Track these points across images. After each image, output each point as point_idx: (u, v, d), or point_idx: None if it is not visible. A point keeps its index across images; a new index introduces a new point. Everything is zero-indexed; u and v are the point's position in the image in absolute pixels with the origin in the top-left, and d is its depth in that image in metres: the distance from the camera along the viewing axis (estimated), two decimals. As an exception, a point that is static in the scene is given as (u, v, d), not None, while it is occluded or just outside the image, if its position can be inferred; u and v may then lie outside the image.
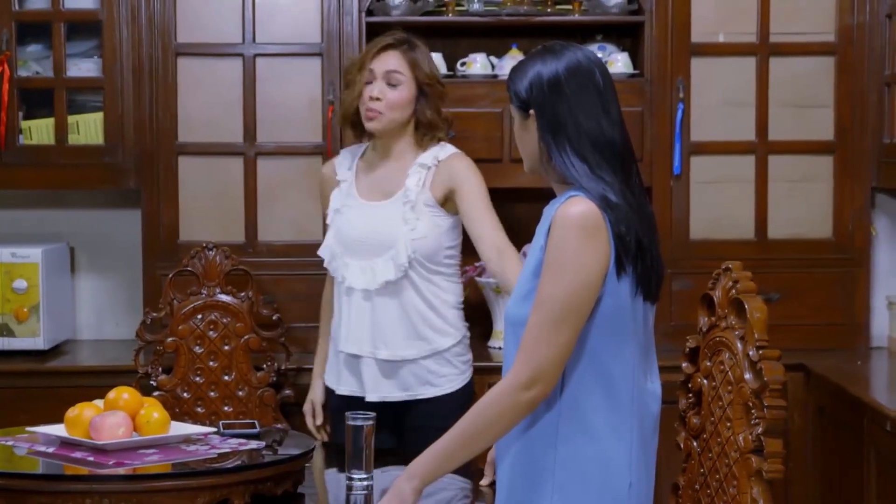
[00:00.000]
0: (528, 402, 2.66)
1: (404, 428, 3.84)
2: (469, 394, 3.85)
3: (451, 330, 3.88)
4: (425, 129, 3.86)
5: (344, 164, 3.98)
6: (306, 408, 4.06)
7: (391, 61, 3.82)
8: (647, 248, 2.71)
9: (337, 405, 3.89)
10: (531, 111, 2.74)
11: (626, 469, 2.75)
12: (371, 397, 3.81)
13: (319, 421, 4.04)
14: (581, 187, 2.68)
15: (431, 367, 3.83)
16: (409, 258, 3.77)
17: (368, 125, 3.82)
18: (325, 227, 3.99)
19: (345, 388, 3.88)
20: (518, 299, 2.76)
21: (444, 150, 3.88)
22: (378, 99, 3.79)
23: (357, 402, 3.78)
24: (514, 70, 2.79)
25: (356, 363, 3.84)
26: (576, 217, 2.63)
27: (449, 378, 3.85)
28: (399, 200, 3.82)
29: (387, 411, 3.76)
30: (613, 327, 2.71)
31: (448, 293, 3.88)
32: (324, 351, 4.02)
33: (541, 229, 2.75)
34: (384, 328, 3.81)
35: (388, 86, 3.81)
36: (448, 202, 3.83)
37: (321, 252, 3.94)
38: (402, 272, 3.78)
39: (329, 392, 3.96)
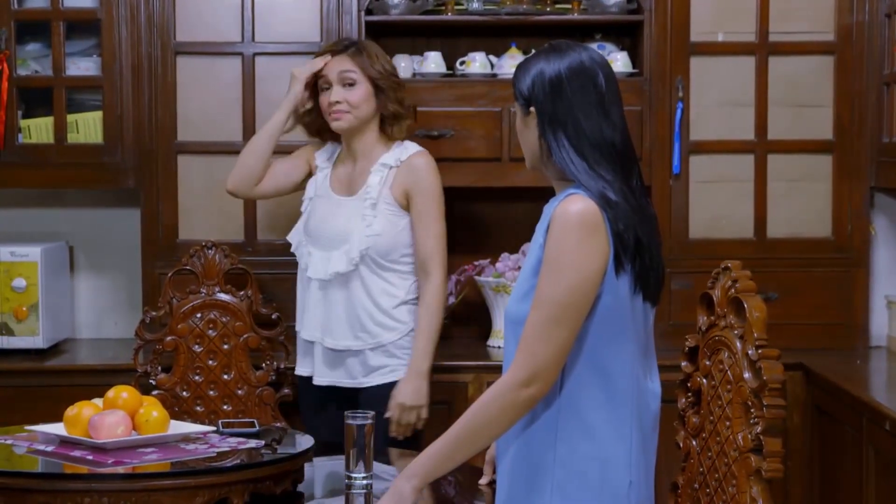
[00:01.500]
0: (527, 400, 2.66)
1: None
2: None
3: (397, 324, 4.03)
4: (392, 121, 4.03)
5: (325, 153, 4.18)
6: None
7: (338, 64, 4.01)
8: (646, 247, 2.72)
9: (304, 388, 4.12)
10: (532, 108, 2.75)
11: (626, 468, 2.75)
12: (319, 381, 4.05)
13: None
14: (580, 184, 2.68)
15: (375, 358, 4.02)
16: (362, 253, 3.95)
17: (336, 125, 4.01)
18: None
19: (302, 370, 4.13)
20: (518, 297, 2.76)
21: (407, 150, 4.05)
22: (339, 102, 3.97)
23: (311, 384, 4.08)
24: (520, 67, 2.82)
25: (310, 348, 4.07)
26: (575, 214, 2.64)
27: (392, 367, 4.03)
28: (361, 197, 4.00)
29: (338, 395, 4.02)
30: (612, 326, 2.71)
31: (399, 289, 4.04)
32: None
33: (540, 227, 2.75)
34: (332, 318, 4.02)
35: (344, 87, 3.99)
36: (407, 202, 4.01)
37: (290, 237, 4.15)
38: (353, 266, 3.97)
39: (299, 378, 4.17)
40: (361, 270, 3.98)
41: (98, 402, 3.22)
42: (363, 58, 4.01)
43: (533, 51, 4.70)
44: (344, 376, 4.04)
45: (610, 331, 2.71)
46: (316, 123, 4.12)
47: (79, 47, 4.71)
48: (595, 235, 2.65)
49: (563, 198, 2.68)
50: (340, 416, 3.75)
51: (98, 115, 4.66)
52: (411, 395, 3.93)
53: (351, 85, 3.98)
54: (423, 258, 3.99)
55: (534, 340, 2.65)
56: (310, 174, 4.19)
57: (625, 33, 4.87)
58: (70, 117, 4.66)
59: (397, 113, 4.02)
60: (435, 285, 3.97)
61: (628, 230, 2.67)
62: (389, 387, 3.98)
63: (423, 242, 3.99)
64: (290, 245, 4.27)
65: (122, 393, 3.21)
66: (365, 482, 3.18)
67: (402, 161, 4.01)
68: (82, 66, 4.69)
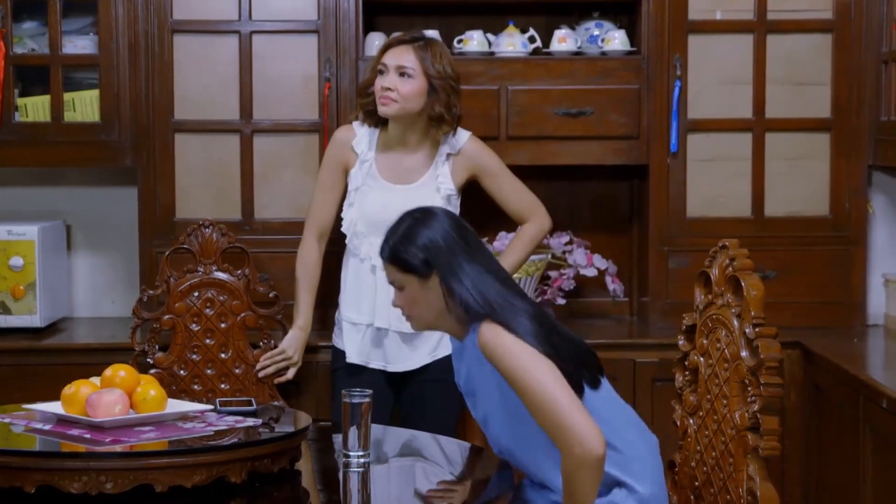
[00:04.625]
0: (598, 459, 2.83)
1: (422, 387, 4.17)
2: None
3: None
4: (433, 122, 4.08)
5: (363, 141, 4.18)
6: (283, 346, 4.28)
7: (402, 56, 4.05)
8: (562, 349, 2.98)
9: (369, 381, 4.06)
10: (432, 270, 3.02)
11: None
12: (393, 369, 4.14)
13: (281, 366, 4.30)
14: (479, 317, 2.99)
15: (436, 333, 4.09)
16: None
17: (381, 109, 4.06)
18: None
19: (375, 363, 4.15)
20: (505, 427, 3.04)
21: (461, 138, 4.17)
22: (390, 89, 4.02)
23: (379, 375, 4.14)
24: (401, 243, 3.07)
25: (381, 336, 4.12)
26: (499, 334, 2.94)
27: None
28: (427, 185, 4.11)
29: (401, 379, 4.15)
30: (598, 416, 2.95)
31: None
32: (307, 303, 4.27)
33: (468, 372, 3.09)
34: None
35: (400, 77, 4.03)
36: (462, 184, 4.17)
37: (344, 228, 4.16)
38: None
39: (352, 368, 4.16)
40: None
41: (95, 380, 3.22)
42: (426, 54, 4.05)
43: (527, 37, 4.70)
44: (420, 355, 4.14)
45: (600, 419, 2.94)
46: (371, 106, 4.13)
47: (75, 25, 4.70)
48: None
49: (474, 332, 3.00)
50: (397, 400, 4.13)
51: (95, 93, 4.65)
52: None
53: (407, 77, 4.03)
54: (526, 211, 4.22)
55: (565, 419, 2.84)
56: (346, 171, 4.21)
57: (622, 11, 4.86)
58: (67, 96, 4.65)
59: (441, 116, 4.07)
60: (541, 226, 4.25)
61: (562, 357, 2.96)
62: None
63: (518, 200, 4.23)
64: (286, 222, 4.29)
65: (120, 371, 3.21)
66: (362, 460, 3.19)
67: (459, 149, 4.15)
68: (79, 45, 4.67)
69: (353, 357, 4.15)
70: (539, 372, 2.89)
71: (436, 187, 4.12)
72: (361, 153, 4.16)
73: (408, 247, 3.05)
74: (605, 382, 3.11)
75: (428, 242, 3.04)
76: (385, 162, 4.15)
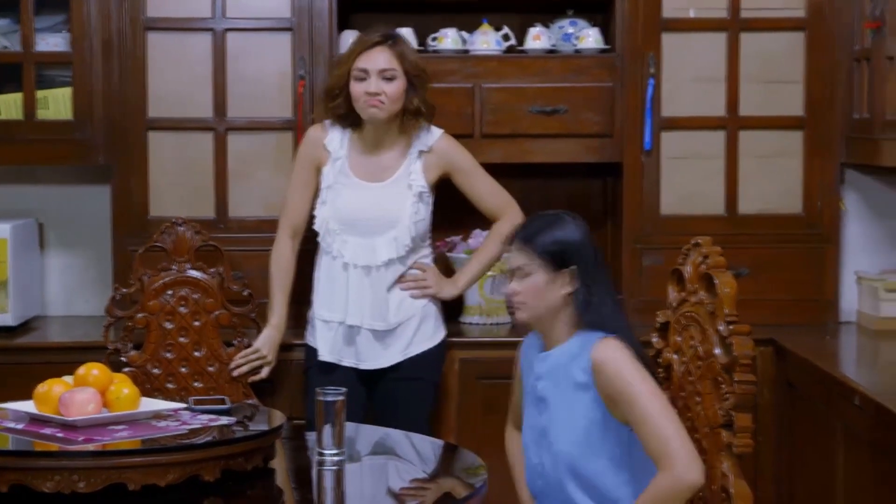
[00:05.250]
0: (692, 487, 2.91)
1: (395, 385, 4.17)
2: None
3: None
4: (410, 116, 4.09)
5: (335, 139, 4.19)
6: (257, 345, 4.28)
7: (382, 59, 4.05)
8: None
9: (342, 378, 4.04)
10: (572, 267, 3.10)
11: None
12: (366, 366, 4.14)
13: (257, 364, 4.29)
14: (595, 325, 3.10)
15: (419, 327, 4.16)
16: (413, 238, 4.10)
17: (372, 112, 4.04)
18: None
19: (347, 360, 4.15)
20: (575, 447, 3.09)
21: (432, 135, 4.17)
22: (377, 94, 4.01)
23: (352, 373, 4.13)
24: (539, 232, 3.15)
25: (353, 334, 4.12)
26: (621, 351, 3.04)
27: (428, 333, 4.20)
28: (399, 183, 4.12)
29: (374, 377, 4.15)
30: None
31: (428, 259, 4.24)
32: (280, 302, 4.27)
33: (567, 375, 3.11)
34: (381, 301, 4.10)
35: (384, 80, 4.03)
36: (435, 182, 4.16)
37: (317, 226, 4.16)
38: (405, 251, 4.10)
39: (324, 365, 4.16)
40: (408, 254, 4.14)
41: (68, 379, 3.21)
42: (402, 50, 4.07)
43: (501, 35, 4.70)
44: (393, 353, 4.14)
45: None
46: (341, 109, 4.12)
47: (48, 23, 4.68)
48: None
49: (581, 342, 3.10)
50: (370, 398, 4.14)
51: (68, 91, 4.63)
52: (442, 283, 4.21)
53: (391, 79, 4.03)
54: (498, 209, 4.22)
55: (673, 442, 2.92)
56: (318, 169, 4.22)
57: (597, 9, 4.86)
58: (40, 93, 4.63)
59: (418, 109, 4.08)
60: (515, 224, 4.10)
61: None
62: (433, 352, 4.20)
63: (490, 198, 4.23)
64: (260, 221, 4.29)
65: (93, 370, 3.20)
66: (336, 458, 3.19)
67: (430, 146, 4.15)
68: (52, 42, 4.65)
69: (325, 355, 4.15)
70: (659, 398, 2.98)
71: (408, 184, 4.12)
72: (334, 151, 4.16)
73: (551, 236, 3.13)
74: None
75: (572, 239, 3.13)
76: (357, 160, 4.15)
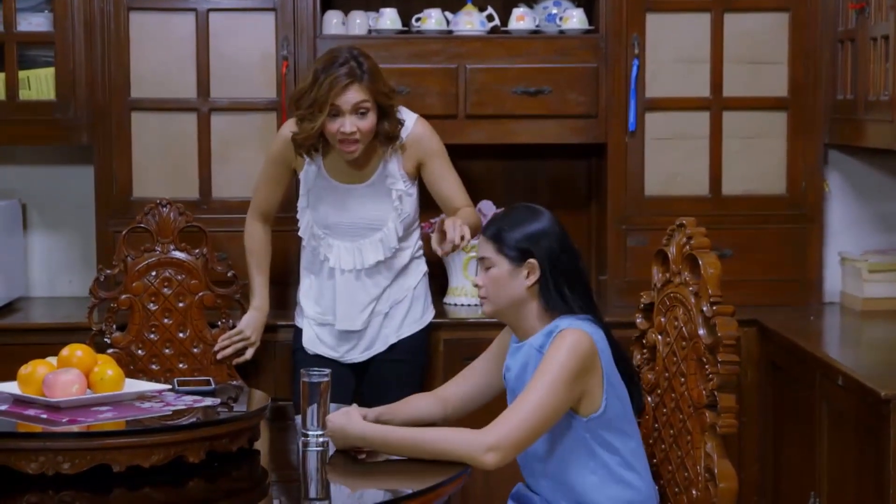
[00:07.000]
0: (481, 464, 2.96)
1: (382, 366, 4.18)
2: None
3: (417, 271, 4.21)
4: (382, 139, 4.01)
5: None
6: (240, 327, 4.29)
7: (354, 96, 3.91)
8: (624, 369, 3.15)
9: (329, 361, 4.08)
10: (531, 259, 3.10)
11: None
12: (361, 357, 4.16)
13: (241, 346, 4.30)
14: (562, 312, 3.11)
15: (409, 310, 4.16)
16: (399, 238, 4.07)
17: (349, 155, 3.97)
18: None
19: (335, 354, 4.15)
20: (543, 440, 3.09)
21: (407, 124, 4.06)
22: (353, 132, 3.92)
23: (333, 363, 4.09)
24: (507, 226, 3.15)
25: (343, 336, 4.13)
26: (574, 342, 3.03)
27: (416, 317, 4.20)
28: (379, 186, 4.05)
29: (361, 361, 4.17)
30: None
31: (410, 245, 4.18)
32: (261, 283, 4.28)
33: (519, 371, 3.16)
34: (370, 302, 4.11)
35: (357, 115, 3.92)
36: (417, 170, 4.10)
37: (301, 232, 4.14)
38: (392, 252, 4.07)
39: (317, 359, 4.13)
40: (395, 252, 4.12)
41: (52, 360, 3.20)
42: (372, 79, 3.93)
43: (485, 15, 4.68)
44: (377, 346, 4.15)
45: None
46: (309, 142, 4.00)
47: (30, 3, 4.65)
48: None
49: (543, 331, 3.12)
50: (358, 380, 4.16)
51: (50, 71, 4.61)
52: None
53: (364, 113, 3.93)
54: (456, 206, 4.07)
55: (514, 418, 2.98)
56: (294, 170, 4.16)
57: (581, -10, 4.86)
58: (22, 73, 4.61)
59: (389, 132, 3.99)
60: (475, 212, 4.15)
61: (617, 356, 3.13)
62: (420, 334, 4.20)
63: (450, 196, 4.09)
64: (244, 201, 4.28)
65: (77, 351, 3.19)
66: (321, 439, 3.19)
67: (405, 136, 4.05)
68: (34, 22, 4.63)
69: (307, 345, 4.16)
70: (550, 396, 2.97)
71: (388, 183, 4.06)
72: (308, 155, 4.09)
73: (513, 231, 3.14)
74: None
75: (534, 230, 3.13)
76: (334, 163, 4.07)
